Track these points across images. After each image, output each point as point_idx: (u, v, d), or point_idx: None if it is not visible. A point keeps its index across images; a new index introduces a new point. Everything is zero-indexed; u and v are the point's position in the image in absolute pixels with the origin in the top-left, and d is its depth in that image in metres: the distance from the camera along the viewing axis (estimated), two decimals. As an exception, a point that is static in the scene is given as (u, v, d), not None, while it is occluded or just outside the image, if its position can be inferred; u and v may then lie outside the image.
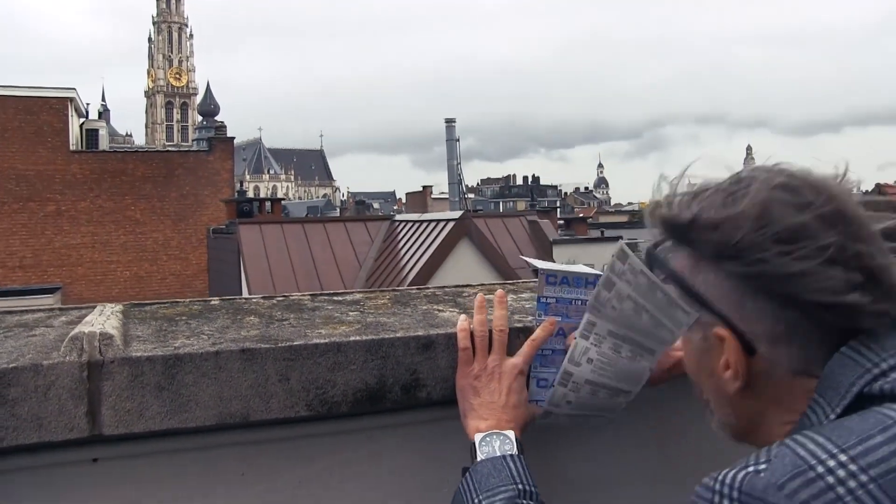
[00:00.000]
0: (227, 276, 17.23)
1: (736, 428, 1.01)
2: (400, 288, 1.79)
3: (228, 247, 17.23)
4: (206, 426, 1.20)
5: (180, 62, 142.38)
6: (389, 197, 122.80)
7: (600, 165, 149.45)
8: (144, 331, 1.31)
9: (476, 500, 1.13)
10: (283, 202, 31.08)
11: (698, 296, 0.94)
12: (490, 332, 1.29)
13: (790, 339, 0.88)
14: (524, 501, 1.11)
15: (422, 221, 15.99)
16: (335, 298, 1.63)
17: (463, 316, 1.35)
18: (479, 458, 1.19)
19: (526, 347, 1.29)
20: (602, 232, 30.43)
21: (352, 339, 1.28)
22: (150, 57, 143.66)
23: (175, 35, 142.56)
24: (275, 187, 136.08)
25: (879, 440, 0.73)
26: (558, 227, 30.07)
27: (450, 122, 20.70)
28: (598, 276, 1.27)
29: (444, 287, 1.84)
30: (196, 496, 1.25)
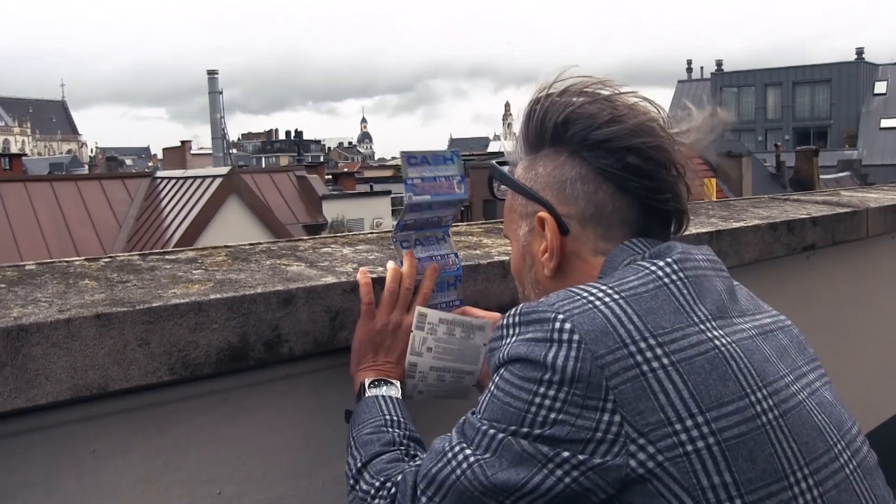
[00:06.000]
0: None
1: None
2: (231, 245, 1.71)
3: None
4: (58, 402, 1.09)
5: None
6: (144, 153, 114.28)
7: (364, 120, 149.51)
8: (-36, 301, 1.16)
9: (351, 436, 1.22)
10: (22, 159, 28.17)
11: (525, 189, 1.12)
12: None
13: (597, 220, 1.06)
14: (390, 429, 1.19)
15: (186, 178, 15.18)
16: (168, 257, 1.53)
17: (363, 269, 1.33)
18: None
19: (419, 301, 1.31)
20: (371, 186, 30.61)
21: (212, 297, 1.21)
22: None
23: None
24: (6, 142, 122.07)
25: (633, 278, 0.96)
26: (326, 182, 29.82)
27: (212, 73, 19.88)
28: (454, 152, 1.36)
29: (277, 242, 1.78)
30: (43, 481, 1.13)
